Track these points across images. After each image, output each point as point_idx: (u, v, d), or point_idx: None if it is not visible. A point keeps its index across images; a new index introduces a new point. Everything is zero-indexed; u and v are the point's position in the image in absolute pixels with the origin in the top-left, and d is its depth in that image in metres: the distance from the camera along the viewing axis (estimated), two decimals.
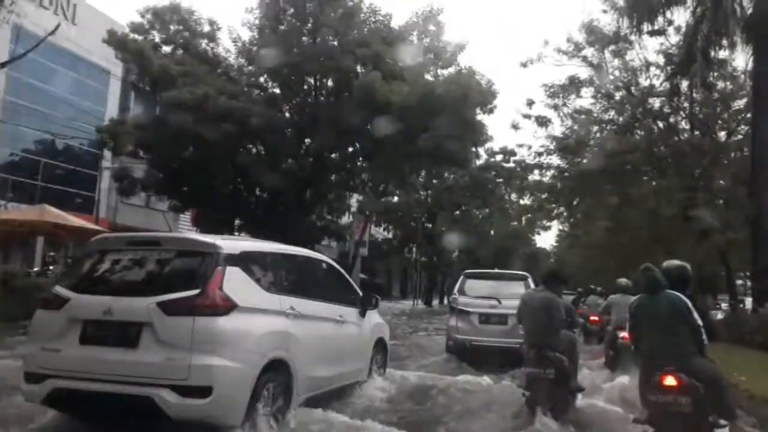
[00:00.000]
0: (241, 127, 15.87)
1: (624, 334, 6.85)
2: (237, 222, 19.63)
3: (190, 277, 3.63)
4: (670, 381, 3.49)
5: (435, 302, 39.19)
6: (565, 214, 20.22)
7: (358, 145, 18.72)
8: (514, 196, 23.86)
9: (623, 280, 8.26)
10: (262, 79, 18.92)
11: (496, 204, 40.62)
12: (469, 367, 7.28)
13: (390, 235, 44.93)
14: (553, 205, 18.11)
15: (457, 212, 43.69)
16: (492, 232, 44.23)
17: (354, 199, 30.49)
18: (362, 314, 5.49)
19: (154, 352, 3.39)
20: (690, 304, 3.68)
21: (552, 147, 16.45)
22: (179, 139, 15.92)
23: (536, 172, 17.35)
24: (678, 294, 3.77)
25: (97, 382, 3.41)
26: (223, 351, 3.45)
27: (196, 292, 3.50)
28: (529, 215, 19.52)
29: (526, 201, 19.44)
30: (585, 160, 16.19)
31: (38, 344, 3.71)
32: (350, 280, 5.72)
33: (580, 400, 4.95)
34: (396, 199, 42.42)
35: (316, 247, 22.67)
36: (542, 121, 16.19)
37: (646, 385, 3.65)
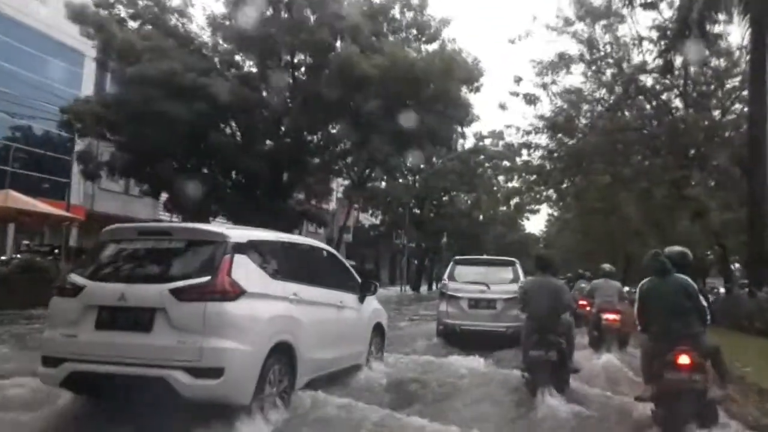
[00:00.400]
0: (212, 106, 15.58)
1: (607, 316, 7.97)
2: (214, 207, 19.59)
3: (201, 264, 3.96)
4: (684, 359, 3.91)
5: (423, 288, 40.16)
6: (554, 196, 20.07)
7: (337, 126, 18.43)
8: (501, 179, 24.31)
9: (606, 266, 9.31)
10: (238, 58, 18.61)
11: (484, 187, 41.97)
12: (459, 351, 7.80)
13: (377, 221, 45.45)
14: (542, 188, 18.02)
15: (446, 197, 44.64)
16: (481, 218, 45.59)
17: (337, 184, 30.90)
18: (361, 300, 5.96)
19: (167, 335, 3.70)
20: (696, 287, 4.21)
21: (541, 126, 16.35)
22: (145, 117, 15.47)
23: (524, 152, 17.37)
24: (685, 277, 4.26)
25: (113, 364, 3.72)
26: (232, 334, 3.78)
27: (206, 279, 3.82)
28: (517, 199, 19.06)
29: (514, 183, 19.41)
30: (575, 140, 16.25)
31: (55, 330, 4.03)
32: (349, 267, 6.13)
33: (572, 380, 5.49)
34: (384, 184, 43.68)
35: (295, 232, 22.96)
36: (530, 99, 16.11)
37: (659, 364, 4.06)
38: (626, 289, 12.60)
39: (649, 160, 15.74)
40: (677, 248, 4.55)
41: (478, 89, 18.32)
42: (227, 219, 20.49)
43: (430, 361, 6.78)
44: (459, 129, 20.28)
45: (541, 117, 16.50)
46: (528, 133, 16.55)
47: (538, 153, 17.09)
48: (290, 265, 4.79)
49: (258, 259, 4.30)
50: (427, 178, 43.12)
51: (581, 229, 27.03)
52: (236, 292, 3.89)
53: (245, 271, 4.06)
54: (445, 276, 10.09)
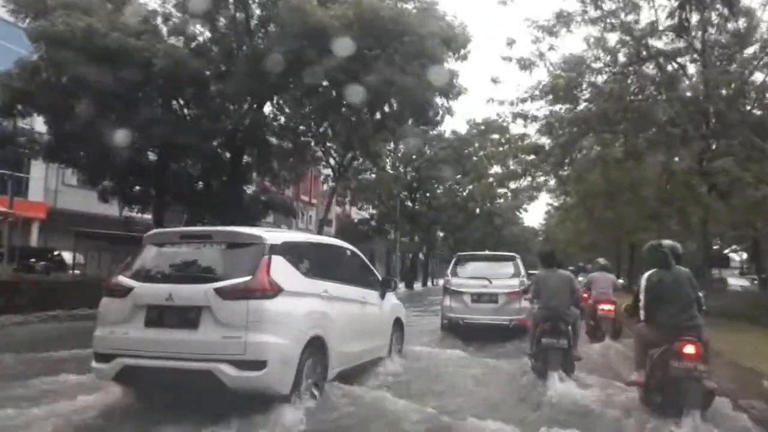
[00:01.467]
0: (143, 73, 14.68)
1: (603, 306, 9.82)
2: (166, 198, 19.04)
3: (241, 265, 4.89)
4: (689, 349, 4.71)
5: (418, 285, 42.30)
6: (553, 181, 19.84)
7: (291, 92, 17.60)
8: (495, 167, 24.02)
9: (601, 260, 11.49)
10: (192, 29, 17.66)
11: (476, 171, 43.68)
12: (465, 344, 9.48)
13: (367, 215, 47.60)
14: (539, 171, 17.66)
15: (440, 189, 46.72)
16: (477, 211, 47.69)
17: (318, 172, 31.45)
18: (382, 296, 7.17)
19: (212, 331, 4.62)
20: (695, 281, 5.13)
21: (538, 92, 15.65)
22: (62, 88, 14.72)
23: (519, 122, 16.50)
24: (686, 269, 5.19)
25: (163, 359, 4.63)
26: (273, 329, 4.70)
27: (248, 278, 4.75)
28: (513, 184, 18.94)
29: (510, 165, 19.01)
30: (580, 107, 15.69)
31: (106, 328, 4.94)
32: (370, 265, 7.31)
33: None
34: (373, 176, 45.08)
35: (263, 223, 22.03)
36: (525, 64, 15.40)
37: (664, 352, 4.86)
38: (620, 281, 14.72)
39: (665, 130, 14.97)
40: (669, 241, 5.53)
41: (464, 57, 18.19)
42: (182, 209, 20.31)
43: (446, 353, 8.22)
44: (444, 103, 19.67)
45: (538, 84, 15.78)
46: (523, 100, 15.79)
47: (535, 126, 16.49)
48: (319, 264, 5.78)
49: (292, 259, 5.26)
50: (418, 167, 45.72)
51: (583, 219, 28.38)
52: (275, 291, 4.83)
53: (282, 270, 5.01)
54: (448, 272, 11.91)
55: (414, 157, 43.26)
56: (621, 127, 15.45)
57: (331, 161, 27.74)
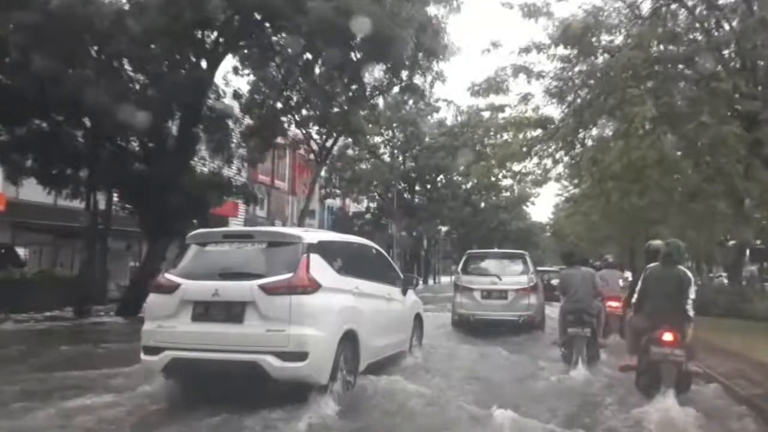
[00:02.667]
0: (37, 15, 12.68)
1: (610, 303, 10.62)
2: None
3: (282, 263, 5.72)
4: (667, 336, 5.90)
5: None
6: (562, 163, 16.68)
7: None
8: (493, 136, 21.12)
9: (609, 257, 12.88)
10: None
11: (473, 150, 44.76)
12: (476, 338, 10.78)
13: (363, 208, 48.96)
14: (547, 150, 15.30)
15: (440, 179, 47.75)
16: (483, 205, 48.80)
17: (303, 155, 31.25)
18: (404, 293, 8.14)
19: (257, 325, 5.44)
20: (692, 280, 6.23)
21: (546, 41, 13.53)
22: None
23: (522, 80, 14.20)
24: (686, 270, 6.32)
25: (210, 351, 5.46)
26: (313, 323, 5.53)
27: (289, 275, 5.58)
28: (517, 166, 16.37)
29: (509, 139, 16.29)
30: (597, 59, 13.59)
31: (154, 322, 5.78)
32: (392, 262, 8.27)
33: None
34: (366, 166, 46.05)
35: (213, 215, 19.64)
36: (530, 11, 13.51)
37: (648, 339, 6.02)
38: (627, 274, 15.82)
39: (710, 85, 12.78)
40: (677, 241, 6.73)
41: (457, 8, 17.11)
42: (121, 198, 17.84)
43: (462, 347, 9.47)
44: (435, 65, 18.15)
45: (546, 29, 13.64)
46: (527, 50, 13.74)
47: (541, 87, 14.37)
48: (349, 261, 6.67)
49: (326, 257, 6.13)
50: (417, 156, 47.11)
51: (595, 210, 28.89)
52: (315, 287, 5.68)
53: (319, 268, 5.86)
54: (459, 269, 13.22)
55: (410, 147, 44.27)
56: (650, 85, 13.16)
57: (313, 145, 26.78)
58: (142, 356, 5.91)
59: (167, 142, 16.47)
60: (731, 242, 23.72)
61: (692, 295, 6.24)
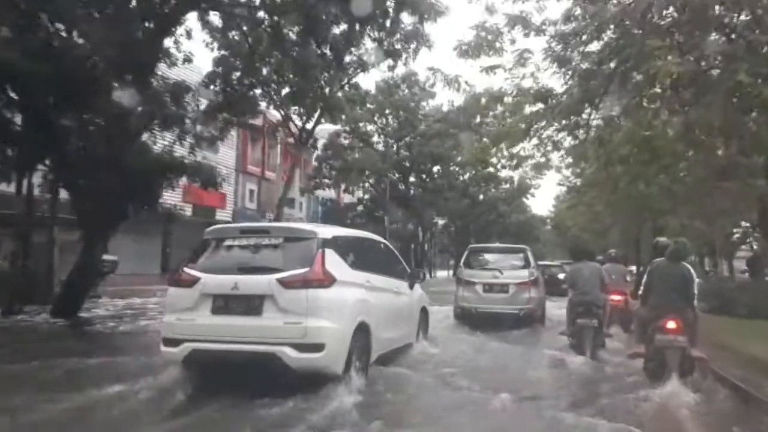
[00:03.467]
0: None
1: (612, 297, 11.43)
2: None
3: (298, 257, 6.31)
4: (671, 325, 6.91)
5: None
6: (566, 142, 14.65)
7: None
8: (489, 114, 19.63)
9: (612, 251, 13.96)
10: None
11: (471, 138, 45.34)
12: (478, 330, 11.76)
13: (355, 199, 49.72)
14: (548, 128, 13.40)
15: (437, 169, 48.59)
16: (481, 198, 49.51)
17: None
18: (411, 286, 8.85)
19: (275, 318, 6.02)
20: (694, 276, 7.36)
21: None
22: None
23: (518, 30, 12.43)
24: (689, 267, 7.46)
25: (229, 343, 6.03)
26: (329, 315, 6.12)
27: (306, 270, 6.17)
28: (516, 148, 14.34)
29: (503, 108, 14.36)
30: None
31: (174, 315, 6.36)
32: (400, 257, 9.02)
33: None
34: (357, 155, 46.51)
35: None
36: None
37: (653, 328, 7.03)
38: (631, 269, 16.39)
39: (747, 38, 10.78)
40: (683, 239, 7.85)
41: None
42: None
43: (468, 339, 10.34)
44: (420, 28, 16.90)
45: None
46: None
47: (542, 46, 12.41)
48: (361, 256, 7.31)
49: (340, 252, 6.74)
50: (410, 144, 47.88)
51: (600, 200, 29.10)
52: (330, 281, 6.28)
53: (333, 262, 6.47)
54: (461, 263, 14.30)
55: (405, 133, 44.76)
56: (676, 37, 11.52)
57: (294, 130, 26.54)
58: (162, 348, 6.51)
59: (108, 115, 14.52)
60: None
61: (695, 290, 7.39)
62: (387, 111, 50.90)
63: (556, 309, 13.67)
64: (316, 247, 6.49)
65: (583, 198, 32.19)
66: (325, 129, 40.62)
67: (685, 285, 7.32)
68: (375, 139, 51.06)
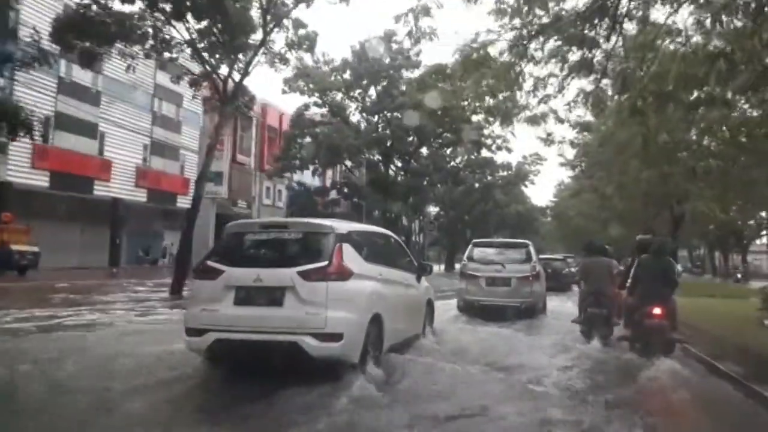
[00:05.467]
0: None
1: None
2: None
3: (317, 251, 7.73)
4: (657, 311, 9.56)
5: None
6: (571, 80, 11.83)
7: None
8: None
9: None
10: None
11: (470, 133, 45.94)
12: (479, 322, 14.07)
13: (324, 182, 51.52)
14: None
15: (423, 149, 50.24)
16: (477, 186, 51.12)
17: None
18: (418, 279, 10.46)
19: (296, 309, 7.38)
20: (675, 269, 10.61)
21: None
22: None
23: None
24: (672, 261, 10.67)
25: (252, 333, 7.38)
26: (347, 307, 7.51)
27: (325, 263, 7.57)
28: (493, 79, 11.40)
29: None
30: None
31: (198, 306, 7.74)
32: (408, 250, 10.62)
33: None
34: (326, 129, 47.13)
35: None
36: None
37: (640, 315, 9.64)
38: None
39: None
40: (660, 237, 10.53)
41: None
42: None
43: (472, 329, 12.45)
44: None
45: None
46: None
47: None
48: (373, 249, 8.81)
49: (355, 246, 8.19)
50: (389, 119, 49.08)
51: (609, 182, 28.49)
52: (348, 274, 7.70)
53: (350, 256, 7.89)
54: (465, 257, 16.82)
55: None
56: None
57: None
58: (185, 338, 7.90)
59: None
60: None
61: (677, 281, 10.54)
62: (364, 81, 51.16)
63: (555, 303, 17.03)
64: (333, 241, 7.95)
65: (590, 180, 33.89)
66: (292, 101, 40.59)
67: (668, 277, 10.10)
68: (356, 118, 52.64)
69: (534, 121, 13.53)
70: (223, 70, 23.36)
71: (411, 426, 6.26)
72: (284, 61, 25.25)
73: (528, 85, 11.97)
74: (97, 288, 22.71)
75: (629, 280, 10.70)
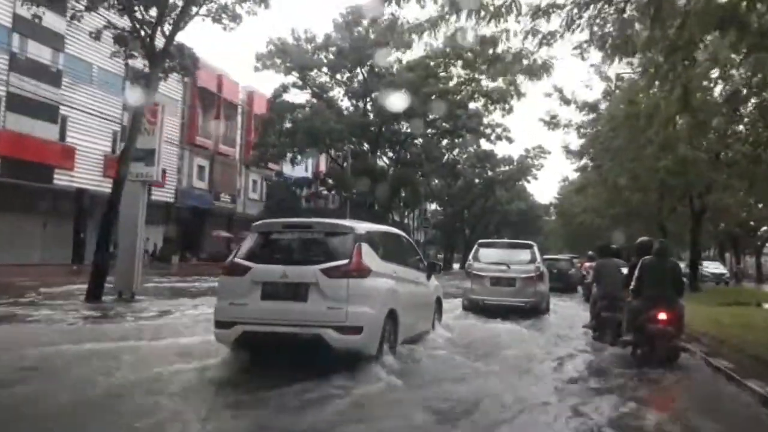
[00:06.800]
0: None
1: None
2: None
3: (338, 250, 9.38)
4: (662, 316, 10.47)
5: None
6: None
7: None
8: None
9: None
10: None
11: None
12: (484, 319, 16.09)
13: (318, 172, 53.08)
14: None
15: (414, 139, 52.12)
16: (477, 181, 53.32)
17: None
18: (428, 277, 12.28)
19: (319, 303, 9.01)
20: (681, 270, 11.80)
21: None
22: None
23: None
24: (677, 262, 12.03)
25: (278, 325, 9.02)
26: (366, 302, 9.16)
27: (346, 261, 9.21)
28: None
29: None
30: None
31: (225, 301, 9.37)
32: (418, 250, 12.44)
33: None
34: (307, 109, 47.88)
35: None
36: None
37: (645, 319, 10.55)
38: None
39: None
40: (663, 240, 11.77)
41: None
42: None
43: (478, 325, 14.51)
44: None
45: None
46: None
47: None
48: (388, 249, 10.53)
49: (373, 245, 9.87)
50: (375, 100, 50.15)
51: (622, 169, 28.17)
52: (367, 272, 9.34)
53: (369, 255, 9.54)
54: (470, 257, 19.06)
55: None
56: None
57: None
58: (215, 330, 9.58)
59: None
60: None
61: (683, 283, 11.38)
62: (349, 64, 52.73)
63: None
64: (353, 241, 9.64)
65: (598, 169, 34.03)
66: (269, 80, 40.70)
67: (675, 279, 10.97)
68: (345, 104, 54.12)
69: (532, 72, 12.18)
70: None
71: (427, 408, 7.81)
72: (234, 17, 23.26)
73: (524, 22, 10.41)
74: (15, 288, 22.17)
75: (633, 282, 11.39)
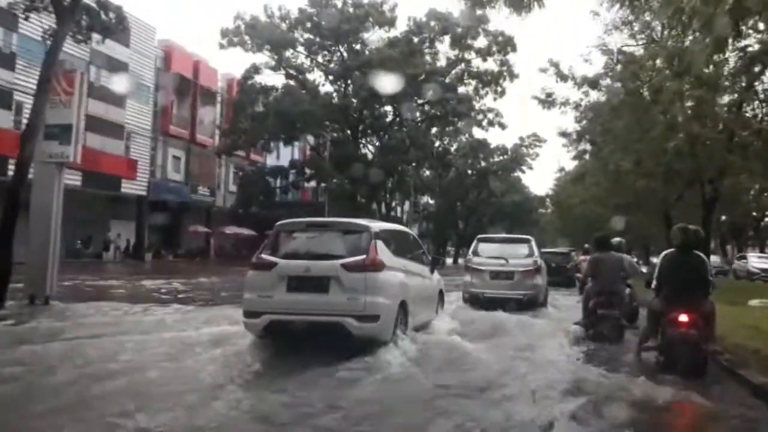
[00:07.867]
0: None
1: None
2: None
3: (356, 247, 11.66)
4: (683, 318, 9.94)
5: None
6: None
7: None
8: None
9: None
10: None
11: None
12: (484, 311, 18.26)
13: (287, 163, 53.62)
14: None
15: (397, 123, 53.25)
16: (470, 172, 55.70)
17: None
18: (432, 271, 14.63)
19: (340, 295, 11.27)
20: (709, 265, 10.78)
21: None
22: None
23: None
24: (703, 256, 10.69)
25: (302, 315, 11.26)
26: (382, 293, 11.41)
27: (363, 257, 11.46)
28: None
29: None
30: None
31: (253, 293, 11.59)
32: (423, 245, 14.73)
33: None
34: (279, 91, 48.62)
35: None
36: None
37: (665, 320, 10.27)
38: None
39: None
40: (692, 227, 11.07)
41: None
42: None
43: (479, 314, 16.77)
44: None
45: None
46: None
47: None
48: (398, 245, 12.77)
49: (386, 242, 12.04)
50: (355, 82, 51.28)
51: (625, 152, 29.22)
52: (381, 266, 11.54)
53: (382, 251, 11.73)
54: (470, 252, 21.55)
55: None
56: None
57: None
58: (244, 319, 11.73)
59: None
60: None
61: (711, 277, 10.73)
62: (327, 41, 54.05)
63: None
64: (369, 238, 11.83)
65: (598, 154, 35.32)
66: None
67: (700, 275, 10.48)
68: (325, 89, 54.98)
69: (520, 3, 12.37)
70: None
71: (440, 386, 9.77)
72: None
73: None
74: None
75: (654, 280, 10.94)
